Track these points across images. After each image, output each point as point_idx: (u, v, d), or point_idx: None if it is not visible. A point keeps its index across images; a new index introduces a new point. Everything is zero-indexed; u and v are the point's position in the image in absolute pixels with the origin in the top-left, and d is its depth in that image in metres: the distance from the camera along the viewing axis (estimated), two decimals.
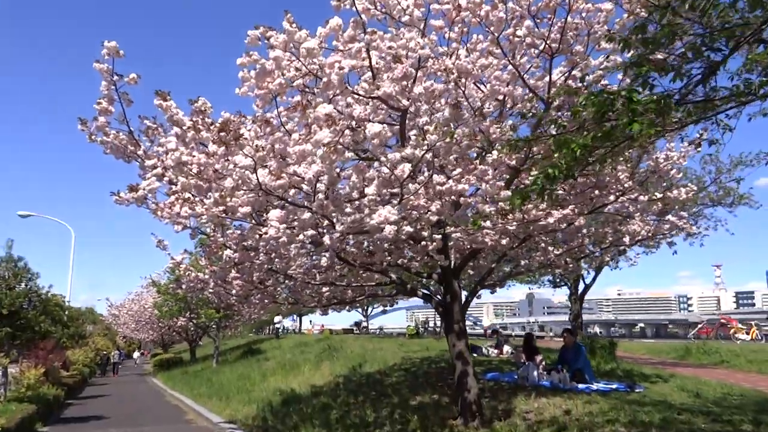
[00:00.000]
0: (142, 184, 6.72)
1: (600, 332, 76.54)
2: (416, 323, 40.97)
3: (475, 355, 16.23)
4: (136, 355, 63.57)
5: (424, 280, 10.34)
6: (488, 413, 9.03)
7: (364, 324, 53.68)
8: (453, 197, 6.85)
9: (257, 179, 5.48)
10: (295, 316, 59.93)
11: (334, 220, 5.90)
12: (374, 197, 5.94)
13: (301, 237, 6.18)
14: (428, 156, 6.11)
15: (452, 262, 9.07)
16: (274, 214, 5.73)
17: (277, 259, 8.64)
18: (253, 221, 6.82)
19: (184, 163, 6.49)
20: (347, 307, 11.73)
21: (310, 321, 62.71)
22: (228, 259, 8.73)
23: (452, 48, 7.26)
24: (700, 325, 42.10)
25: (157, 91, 6.39)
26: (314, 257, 9.07)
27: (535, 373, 10.67)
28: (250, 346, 33.39)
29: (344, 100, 6.52)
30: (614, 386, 10.30)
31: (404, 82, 6.05)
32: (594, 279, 21.90)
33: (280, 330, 44.44)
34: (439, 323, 42.27)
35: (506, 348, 17.40)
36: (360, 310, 51.40)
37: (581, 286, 22.53)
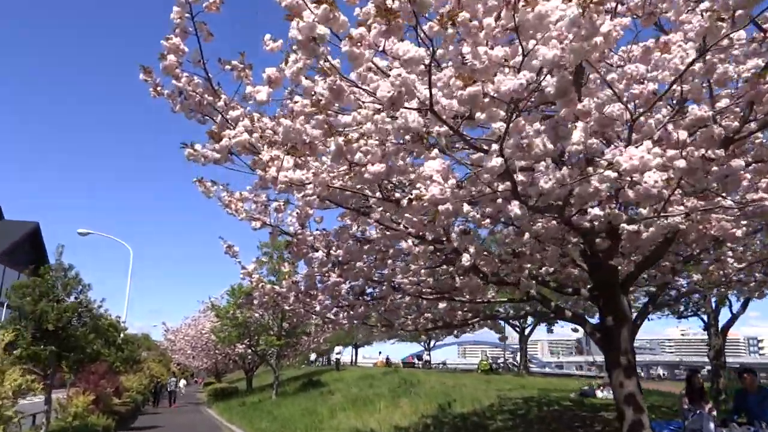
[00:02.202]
0: (227, 133, 4.73)
1: (664, 374, 71.71)
2: (486, 357, 38.01)
3: (587, 397, 13.62)
4: (182, 383, 55.81)
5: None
6: None
7: (426, 357, 50.55)
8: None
9: (429, 89, 3.28)
10: (347, 347, 57.59)
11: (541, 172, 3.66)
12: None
13: (467, 208, 4.01)
14: None
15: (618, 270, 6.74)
16: (433, 165, 3.58)
17: (391, 261, 6.50)
18: (379, 194, 4.73)
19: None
20: (455, 332, 9.50)
21: (355, 353, 60.01)
22: (324, 259, 6.68)
23: None
24: None
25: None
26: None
27: (712, 425, 8.10)
28: (310, 378, 31.23)
29: None
30: None
31: None
32: (745, 307, 18.51)
33: (340, 361, 42.13)
34: (511, 358, 39.35)
35: None
36: (423, 341, 48.71)
37: (716, 316, 19.33)
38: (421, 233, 6.27)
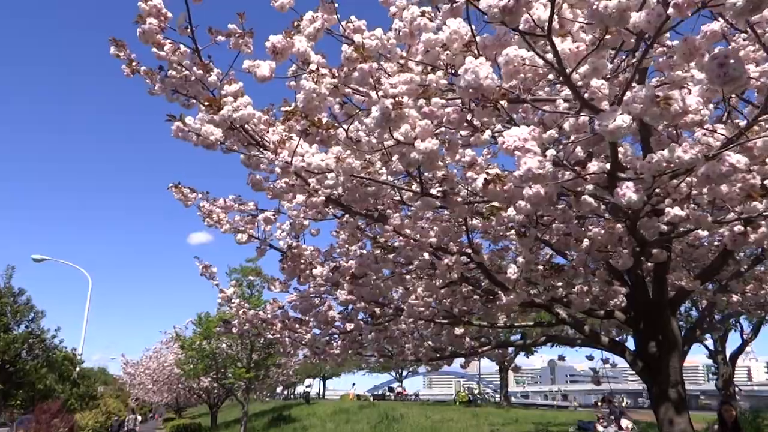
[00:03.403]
0: (229, 100, 3.70)
1: (628, 403, 71.70)
2: (463, 388, 36.61)
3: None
4: (137, 419, 51.52)
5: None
6: None
7: (399, 388, 48.74)
8: None
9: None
10: (314, 379, 55.56)
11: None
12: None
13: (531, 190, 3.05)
14: None
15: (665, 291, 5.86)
16: (520, 132, 2.62)
17: (409, 277, 5.48)
18: (417, 186, 3.74)
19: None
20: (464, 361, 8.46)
21: (323, 385, 57.82)
22: (330, 275, 5.64)
23: None
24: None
25: None
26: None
27: None
28: (280, 413, 29.60)
29: None
30: None
31: None
32: (756, 332, 17.69)
33: (309, 394, 40.29)
34: (491, 389, 38.33)
35: (625, 423, 13.65)
36: (394, 372, 47.19)
37: (724, 342, 18.46)
38: (444, 244, 5.33)
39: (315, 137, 3.19)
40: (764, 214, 3.41)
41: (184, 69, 4.23)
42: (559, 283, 5.92)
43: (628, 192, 2.64)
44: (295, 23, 3.90)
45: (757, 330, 17.50)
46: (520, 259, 4.44)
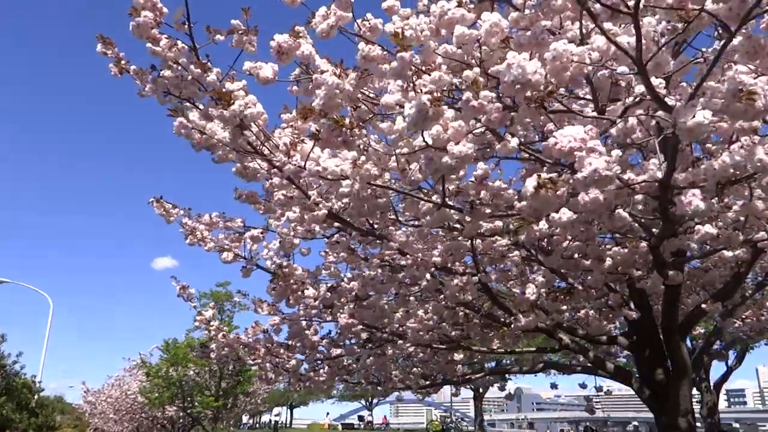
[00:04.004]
0: (240, 94, 3.36)
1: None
2: (437, 417, 35.97)
3: None
4: None
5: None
6: None
7: (369, 417, 47.65)
8: None
9: None
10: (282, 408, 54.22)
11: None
12: None
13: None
14: None
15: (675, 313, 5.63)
16: (575, 131, 2.35)
17: (412, 298, 5.15)
18: (437, 197, 3.44)
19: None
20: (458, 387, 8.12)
21: (290, 413, 56.38)
22: (327, 295, 5.28)
23: None
24: None
25: None
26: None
27: None
28: None
29: None
30: None
31: None
32: (741, 359, 17.52)
33: (278, 423, 39.16)
34: (465, 418, 37.86)
35: None
36: (363, 401, 46.27)
37: (708, 369, 18.22)
38: (451, 264, 5.03)
39: (337, 138, 2.86)
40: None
41: (180, 67, 3.90)
42: (564, 307, 5.67)
43: (695, 200, 2.38)
44: (308, 19, 3.60)
45: (742, 357, 17.53)
46: (540, 278, 4.16)
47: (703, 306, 4.88)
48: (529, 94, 2.58)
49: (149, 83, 4.01)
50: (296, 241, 5.96)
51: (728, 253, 4.17)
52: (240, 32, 3.85)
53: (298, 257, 6.51)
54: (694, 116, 2.10)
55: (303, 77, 4.08)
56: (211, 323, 7.83)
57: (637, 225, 3.77)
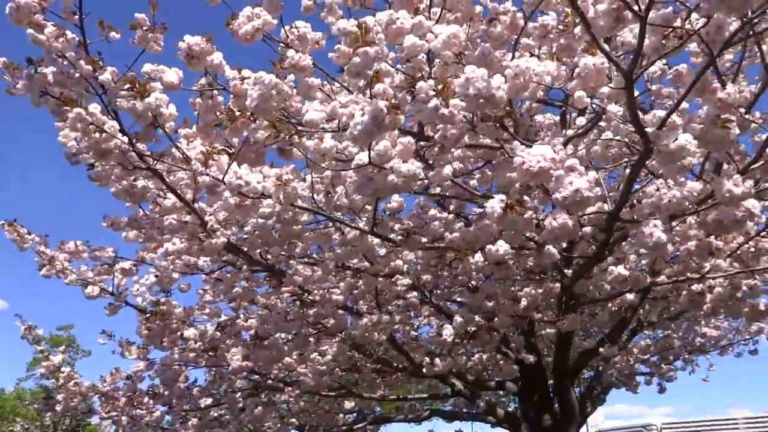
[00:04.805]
0: (157, 86, 2.87)
1: None
2: None
3: None
4: None
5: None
6: None
7: None
8: None
9: None
10: None
11: None
12: None
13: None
14: None
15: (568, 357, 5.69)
16: (544, 150, 2.18)
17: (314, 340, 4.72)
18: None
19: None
20: None
21: None
22: (214, 336, 4.72)
23: None
24: None
25: None
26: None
27: None
28: None
29: None
30: None
31: None
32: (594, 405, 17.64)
33: None
34: None
35: None
36: None
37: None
38: (353, 303, 4.73)
39: (267, 147, 2.50)
40: (724, 274, 3.29)
41: (66, 62, 3.33)
42: (461, 351, 5.56)
43: (656, 231, 2.29)
44: (227, 21, 3.22)
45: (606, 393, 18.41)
46: (458, 318, 3.96)
47: (601, 349, 4.95)
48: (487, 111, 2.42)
49: (24, 80, 3.37)
50: (175, 275, 5.40)
51: (630, 296, 4.24)
52: (144, 28, 3.37)
53: (176, 293, 5.91)
54: (676, 139, 2.03)
55: (207, 89, 3.69)
56: (61, 369, 6.84)
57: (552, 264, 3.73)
